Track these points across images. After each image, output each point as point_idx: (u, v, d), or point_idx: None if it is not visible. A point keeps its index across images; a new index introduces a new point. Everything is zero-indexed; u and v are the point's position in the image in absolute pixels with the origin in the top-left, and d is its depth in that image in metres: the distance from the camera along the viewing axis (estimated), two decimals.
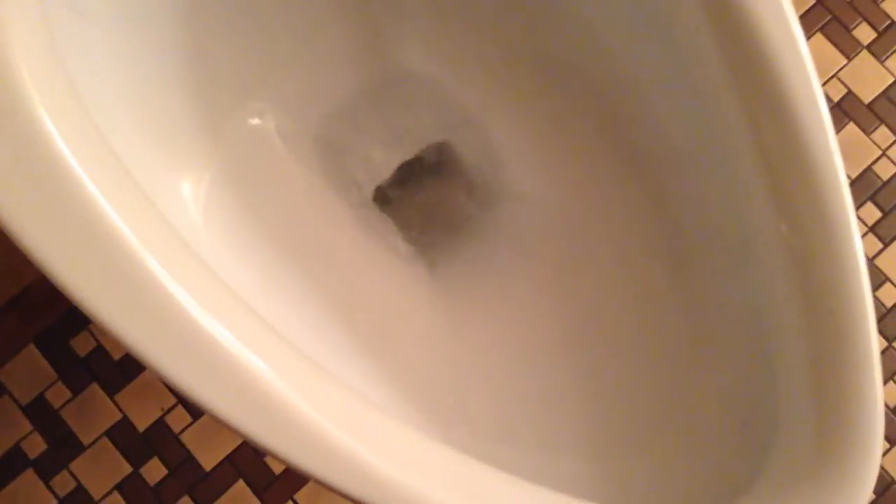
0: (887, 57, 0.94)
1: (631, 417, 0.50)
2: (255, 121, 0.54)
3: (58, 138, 0.30)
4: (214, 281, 0.34)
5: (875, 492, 0.81)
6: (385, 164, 0.59)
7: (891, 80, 0.94)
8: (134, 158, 0.40)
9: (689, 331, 0.50)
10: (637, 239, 0.53)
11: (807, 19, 0.95)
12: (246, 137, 0.54)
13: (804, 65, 0.41)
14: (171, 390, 0.85)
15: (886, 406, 0.85)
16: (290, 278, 0.51)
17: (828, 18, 0.95)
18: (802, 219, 0.40)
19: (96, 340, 0.85)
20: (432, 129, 0.60)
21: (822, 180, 0.40)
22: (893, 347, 0.87)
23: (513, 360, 0.53)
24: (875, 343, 0.39)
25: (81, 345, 0.85)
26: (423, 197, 0.61)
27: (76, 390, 0.85)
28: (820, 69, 0.92)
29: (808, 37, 0.94)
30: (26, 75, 0.30)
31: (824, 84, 0.93)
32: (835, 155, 0.40)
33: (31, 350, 0.86)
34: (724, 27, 0.42)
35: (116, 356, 0.85)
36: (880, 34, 0.95)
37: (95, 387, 0.85)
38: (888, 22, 0.95)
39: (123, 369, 0.85)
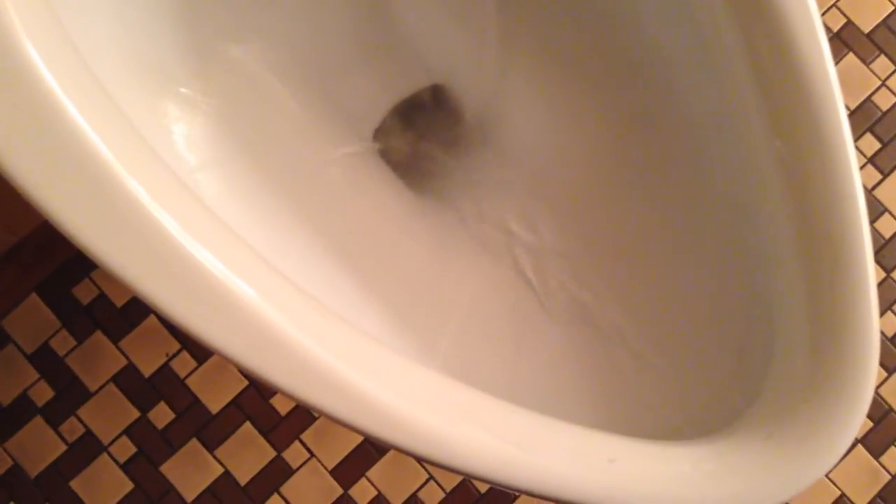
0: None
1: (627, 344, 0.50)
2: (248, 57, 0.53)
3: (44, 70, 0.30)
4: (203, 209, 0.34)
5: (872, 419, 0.82)
6: (382, 102, 0.58)
7: (890, 8, 0.93)
8: (123, 94, 0.39)
9: (684, 258, 0.50)
10: (628, 161, 0.53)
11: None
12: (239, 74, 0.53)
13: None
14: (175, 334, 0.86)
15: (884, 335, 0.86)
16: (284, 214, 0.51)
17: None
18: (798, 139, 0.40)
19: (98, 288, 0.86)
20: (427, 70, 0.59)
21: (818, 102, 0.40)
22: (891, 278, 0.87)
23: (507, 298, 0.54)
24: (871, 266, 0.39)
25: (84, 293, 0.86)
26: (419, 136, 0.61)
27: (80, 338, 0.86)
28: None
29: None
30: (9, 5, 0.29)
31: (824, 13, 0.92)
32: (831, 77, 0.40)
33: (34, 299, 0.86)
34: None
35: (119, 303, 0.86)
36: None
37: (99, 334, 0.86)
38: None
39: (127, 316, 0.86)
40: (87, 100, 0.32)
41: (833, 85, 0.40)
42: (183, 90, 0.50)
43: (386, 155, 0.58)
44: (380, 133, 0.59)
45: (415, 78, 0.60)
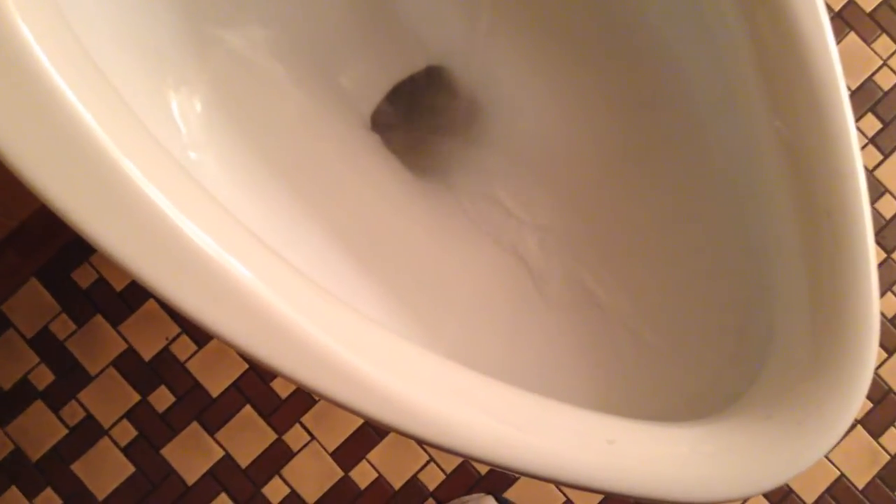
0: None
1: (627, 325, 0.50)
2: (246, 40, 0.53)
3: (38, 50, 0.30)
4: (199, 190, 0.33)
5: (872, 400, 0.82)
6: (379, 84, 0.58)
7: None
8: (120, 77, 0.39)
9: (685, 240, 0.50)
10: (628, 143, 0.52)
11: None
12: (237, 57, 0.53)
13: None
14: (175, 318, 0.86)
15: (884, 316, 0.86)
16: (283, 196, 0.51)
17: None
18: (799, 119, 0.40)
19: (97, 272, 0.86)
20: (425, 52, 0.59)
21: (819, 82, 0.39)
22: (892, 259, 0.87)
23: (507, 281, 0.53)
24: (872, 247, 0.39)
25: (83, 277, 0.86)
26: (417, 118, 0.60)
27: (80, 322, 0.86)
28: None
29: None
30: None
31: None
32: (833, 57, 0.40)
33: (34, 284, 0.86)
34: None
35: (119, 287, 0.85)
36: None
37: (99, 318, 0.86)
38: None
39: (126, 300, 0.85)
40: (81, 80, 0.32)
41: (835, 65, 0.40)
42: (181, 73, 0.50)
43: (384, 136, 0.58)
44: (377, 115, 0.59)
45: (412, 59, 0.59)
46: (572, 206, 0.54)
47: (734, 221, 0.46)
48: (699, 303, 0.48)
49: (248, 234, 0.34)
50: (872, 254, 0.38)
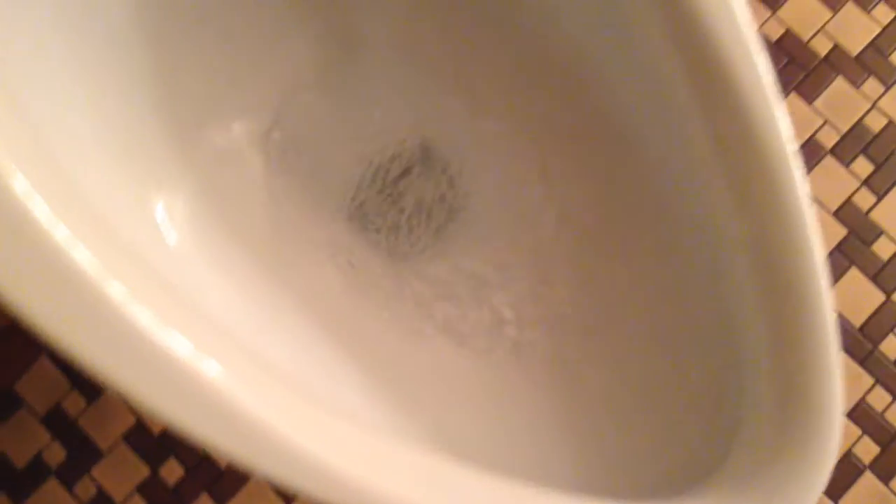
0: (873, 6, 0.93)
1: (604, 402, 0.51)
2: (229, 135, 0.55)
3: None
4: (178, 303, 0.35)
5: (880, 443, 0.81)
6: (360, 168, 0.59)
7: (878, 29, 0.93)
8: (99, 182, 0.41)
9: (664, 313, 0.50)
10: (598, 222, 0.53)
11: None
12: (218, 152, 0.55)
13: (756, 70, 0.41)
14: None
15: (887, 358, 0.86)
16: (270, 288, 0.52)
17: None
18: (752, 196, 0.41)
19: None
20: (404, 128, 0.60)
21: (771, 162, 0.40)
22: (892, 301, 0.87)
23: (483, 364, 0.54)
24: (832, 324, 0.39)
25: None
26: (399, 201, 0.62)
27: (91, 398, 0.87)
28: (805, 24, 0.91)
29: None
30: None
31: (810, 39, 0.92)
32: (785, 143, 0.41)
33: (44, 362, 0.88)
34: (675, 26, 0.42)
35: None
36: None
37: (108, 394, 0.87)
38: None
39: None
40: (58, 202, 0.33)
41: (787, 149, 0.41)
42: (165, 174, 0.52)
43: (362, 222, 0.59)
44: (359, 203, 0.60)
45: (391, 142, 0.61)
46: (551, 279, 0.55)
47: (709, 297, 0.47)
48: (678, 376, 0.49)
49: (204, 321, 0.35)
50: (833, 333, 0.39)
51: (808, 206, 0.40)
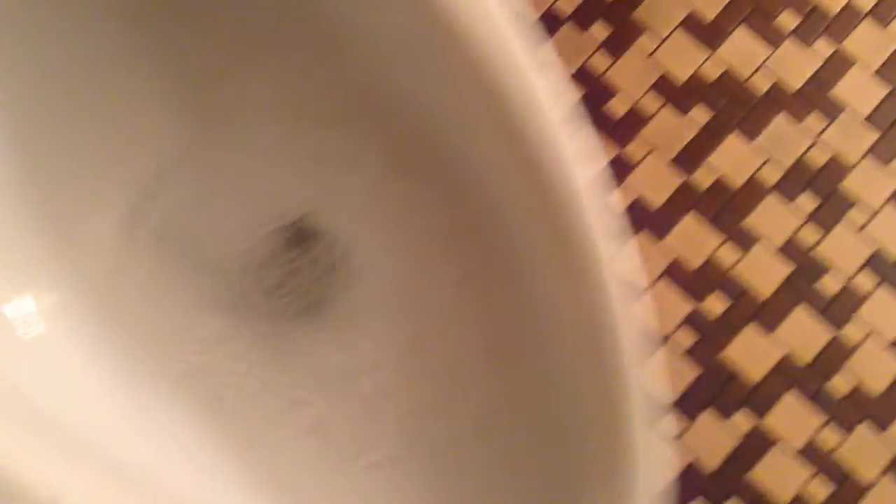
0: (814, 39, 0.94)
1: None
2: (100, 222, 0.57)
3: None
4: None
5: (836, 482, 0.81)
6: (241, 244, 0.61)
7: (819, 63, 0.93)
8: None
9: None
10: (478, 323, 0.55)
11: (729, 12, 0.95)
12: (93, 241, 0.57)
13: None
14: None
15: (836, 392, 0.85)
16: (146, 381, 0.54)
17: (750, 9, 0.95)
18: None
19: None
20: (282, 203, 0.62)
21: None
22: (838, 337, 0.86)
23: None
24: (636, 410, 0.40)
25: None
26: (280, 283, 0.64)
27: None
28: (745, 61, 0.92)
29: (731, 30, 0.94)
30: None
31: (750, 77, 0.93)
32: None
33: None
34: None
35: None
36: (805, 19, 0.94)
37: None
38: (812, 6, 0.94)
39: None
40: None
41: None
42: (37, 268, 0.54)
43: (241, 306, 0.61)
44: (234, 287, 0.62)
45: (267, 218, 0.63)
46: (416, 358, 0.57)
47: (552, 400, 0.48)
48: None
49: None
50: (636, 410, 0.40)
51: (614, 285, 0.41)
